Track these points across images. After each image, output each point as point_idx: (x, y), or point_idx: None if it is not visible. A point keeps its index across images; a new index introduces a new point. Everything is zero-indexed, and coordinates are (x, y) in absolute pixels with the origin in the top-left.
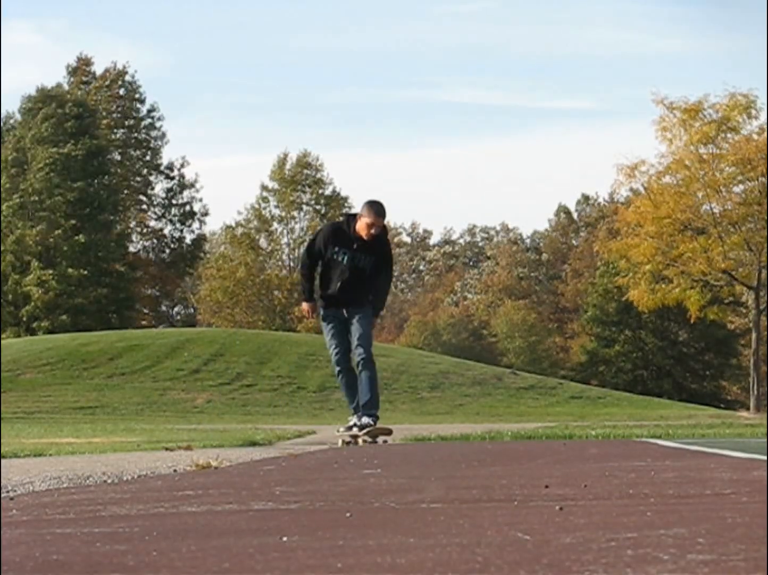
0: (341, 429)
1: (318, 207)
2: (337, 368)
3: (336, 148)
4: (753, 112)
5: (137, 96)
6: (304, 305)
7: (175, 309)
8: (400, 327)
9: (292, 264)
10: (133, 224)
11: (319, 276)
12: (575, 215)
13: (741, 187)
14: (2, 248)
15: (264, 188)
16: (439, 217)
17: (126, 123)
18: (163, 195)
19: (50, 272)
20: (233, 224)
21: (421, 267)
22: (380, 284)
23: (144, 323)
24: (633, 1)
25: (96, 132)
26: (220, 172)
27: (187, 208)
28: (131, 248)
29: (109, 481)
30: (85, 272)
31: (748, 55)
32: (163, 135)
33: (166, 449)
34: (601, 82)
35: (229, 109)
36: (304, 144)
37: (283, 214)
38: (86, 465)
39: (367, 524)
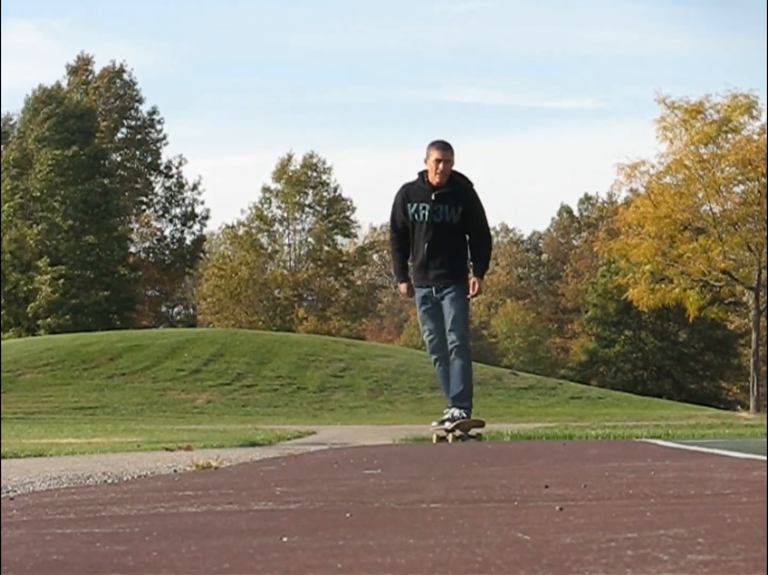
0: (435, 424)
1: (320, 209)
2: (433, 357)
3: (336, 148)
4: (754, 112)
5: (135, 94)
6: (401, 287)
7: (176, 309)
8: (400, 327)
9: (292, 264)
10: (134, 225)
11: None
12: (578, 215)
13: (741, 187)
14: (2, 248)
15: (266, 189)
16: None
17: (126, 123)
18: (163, 195)
19: (62, 268)
20: (234, 224)
21: None
22: (474, 239)
23: (144, 323)
24: (633, 1)
25: (97, 134)
26: (220, 172)
27: (189, 209)
28: (131, 249)
29: (110, 481)
30: (91, 275)
31: (749, 56)
32: (164, 137)
33: (167, 449)
34: (602, 82)
35: (229, 109)
36: (304, 144)
37: (285, 215)
38: (86, 466)
39: (367, 524)
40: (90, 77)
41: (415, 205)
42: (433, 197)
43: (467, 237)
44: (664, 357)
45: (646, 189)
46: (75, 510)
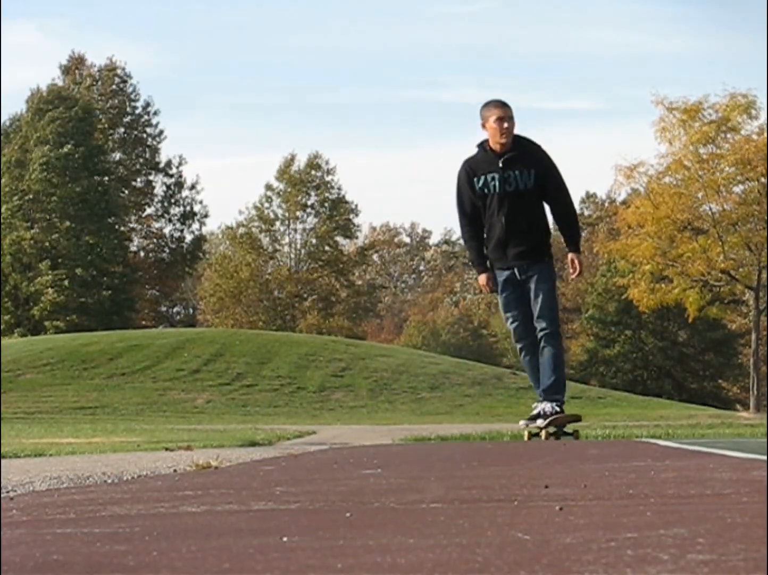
0: (523, 422)
1: (322, 210)
2: (519, 346)
3: (336, 148)
4: (753, 112)
5: (130, 91)
6: (481, 279)
7: (175, 309)
8: (400, 327)
9: (293, 264)
10: (133, 224)
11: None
12: (579, 212)
13: (741, 187)
14: (1, 248)
15: (269, 187)
16: (440, 217)
17: (123, 120)
18: (163, 194)
19: (63, 272)
20: (234, 225)
21: (421, 267)
22: (555, 206)
23: (144, 323)
24: (633, 1)
25: (96, 133)
26: (220, 172)
27: (188, 208)
28: (132, 248)
29: (110, 481)
30: (93, 273)
31: (748, 56)
32: (161, 132)
33: (167, 449)
34: (601, 83)
35: (230, 109)
36: (304, 144)
37: (287, 214)
38: (86, 465)
39: (367, 524)
40: (84, 75)
41: (482, 177)
42: (500, 164)
43: (546, 206)
44: (664, 357)
45: (646, 189)
46: (75, 510)
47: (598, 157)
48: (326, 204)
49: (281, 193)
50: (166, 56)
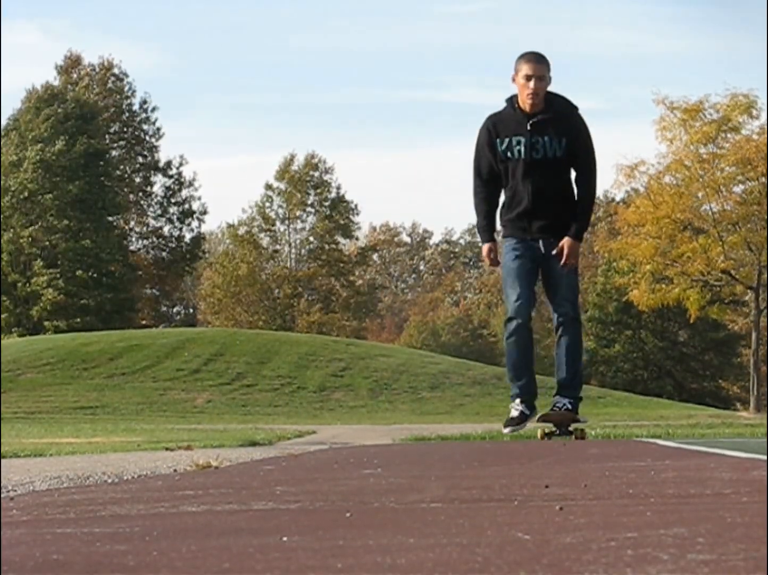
0: (536, 418)
1: (322, 210)
2: (512, 326)
3: (336, 148)
4: (753, 112)
5: (127, 89)
6: (484, 248)
7: (175, 309)
8: (400, 327)
9: (293, 264)
10: (132, 224)
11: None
12: None
13: (741, 187)
14: (1, 249)
15: (269, 187)
16: (440, 217)
17: (121, 118)
18: (162, 194)
19: (57, 271)
20: (235, 223)
21: (422, 267)
22: (577, 180)
23: (144, 323)
24: (633, 1)
25: (95, 132)
26: (220, 172)
27: (186, 206)
28: (131, 248)
29: (110, 481)
30: (93, 275)
31: (749, 55)
32: (159, 130)
33: (167, 449)
34: (601, 82)
35: (230, 109)
36: (304, 144)
37: (287, 214)
38: (86, 465)
39: (367, 524)
40: (81, 74)
41: (506, 140)
42: (528, 127)
43: (569, 170)
44: (664, 357)
45: (646, 189)
46: (75, 510)
47: (598, 157)
48: (325, 204)
49: (281, 193)
50: (167, 56)
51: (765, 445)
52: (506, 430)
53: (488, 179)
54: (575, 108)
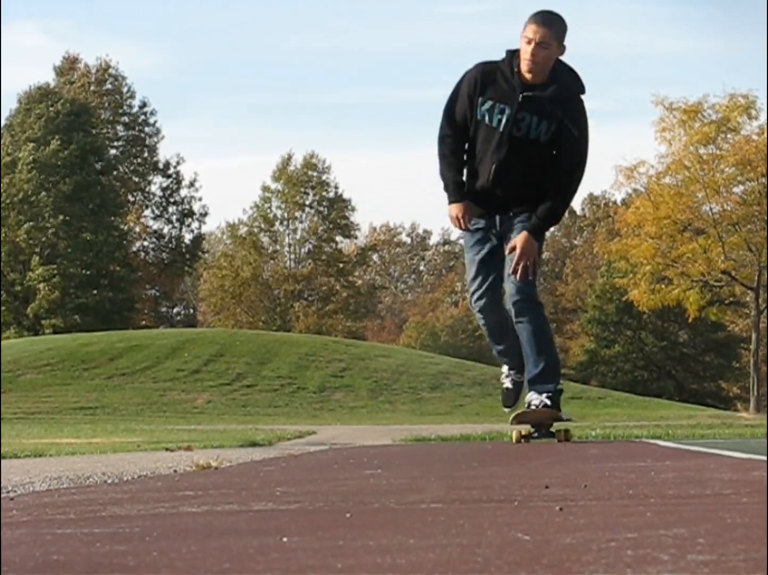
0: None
1: (321, 209)
2: (476, 307)
3: (336, 148)
4: (753, 112)
5: (125, 90)
6: (452, 210)
7: (175, 309)
8: (400, 328)
9: (293, 265)
10: (132, 224)
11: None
12: (581, 213)
13: (741, 187)
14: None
15: (266, 188)
16: (439, 217)
17: (120, 120)
18: (161, 194)
19: (53, 267)
20: (235, 223)
21: (422, 267)
22: (555, 174)
23: (144, 323)
24: (633, 1)
25: (91, 130)
26: (220, 172)
27: (186, 207)
28: (130, 248)
29: (110, 481)
30: (88, 272)
31: (749, 56)
32: (158, 131)
33: (167, 449)
34: (601, 83)
35: (230, 109)
36: (304, 144)
37: (286, 214)
38: (86, 466)
39: (367, 524)
40: (79, 75)
41: (489, 102)
42: (519, 99)
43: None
44: (665, 358)
45: (646, 190)
46: (75, 510)
47: (598, 157)
48: (324, 204)
49: (279, 194)
50: (167, 56)
51: (765, 446)
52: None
53: (463, 127)
54: (581, 91)
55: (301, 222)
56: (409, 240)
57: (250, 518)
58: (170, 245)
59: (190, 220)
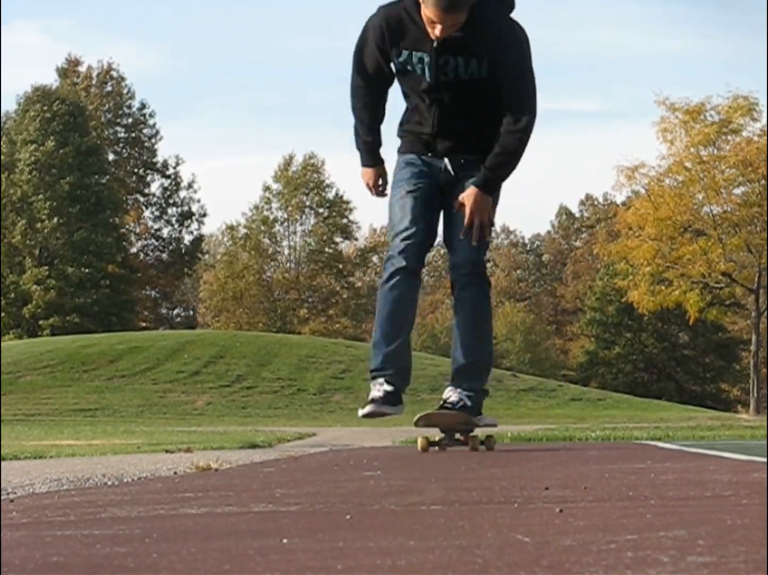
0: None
1: (321, 211)
2: (392, 269)
3: (336, 148)
4: (754, 114)
5: (126, 92)
6: (366, 174)
7: (176, 311)
8: None
9: (293, 266)
10: (131, 224)
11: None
12: (579, 214)
13: (741, 189)
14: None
15: (267, 188)
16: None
17: (118, 121)
18: (160, 195)
19: (45, 269)
20: (235, 224)
21: None
22: (506, 107)
23: (144, 325)
24: (634, 1)
25: (87, 130)
26: (220, 172)
27: (185, 208)
28: (130, 249)
29: (110, 483)
30: (86, 271)
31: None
32: (157, 132)
33: (167, 451)
34: (602, 83)
35: (230, 109)
36: (304, 144)
37: (286, 216)
38: (86, 467)
39: (367, 526)
40: (82, 77)
41: (405, 53)
42: (435, 44)
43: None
44: (665, 359)
45: (647, 191)
46: (75, 512)
47: (598, 158)
48: (325, 205)
49: (280, 195)
50: (167, 56)
51: (765, 447)
52: (364, 410)
53: (376, 77)
54: (508, 10)
55: (302, 224)
56: None
57: (250, 519)
58: (170, 247)
59: (189, 221)
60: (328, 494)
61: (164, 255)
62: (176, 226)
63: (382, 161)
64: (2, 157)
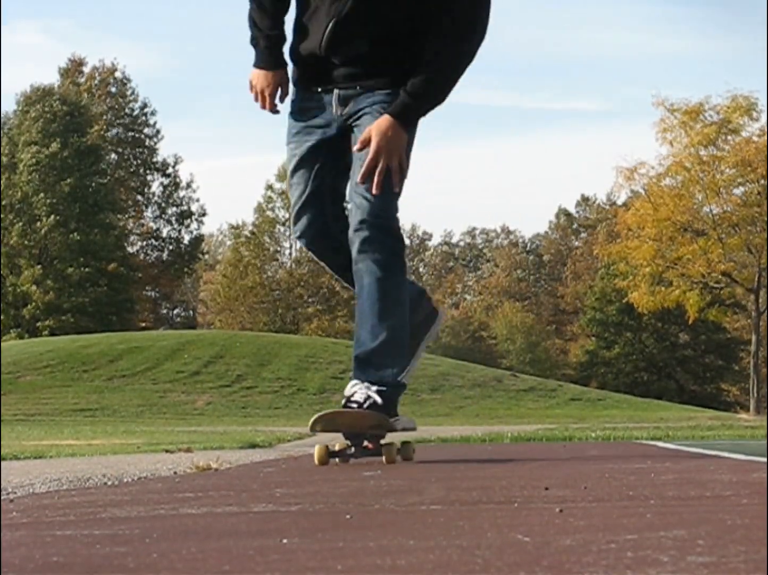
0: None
1: None
2: (299, 239)
3: None
4: (754, 114)
5: (128, 92)
6: (258, 78)
7: (176, 311)
8: None
9: (292, 266)
10: (131, 224)
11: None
12: (576, 215)
13: (741, 189)
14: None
15: (269, 187)
16: (439, 219)
17: (119, 122)
18: (160, 194)
19: (39, 268)
20: (238, 224)
21: (421, 269)
22: (441, 25)
23: (144, 325)
24: (634, 2)
25: (87, 130)
26: (220, 172)
27: (184, 207)
28: (129, 249)
29: (110, 483)
30: (87, 270)
31: (749, 56)
32: (158, 132)
33: (166, 451)
34: (602, 83)
35: (230, 109)
36: None
37: (287, 215)
38: (86, 467)
39: (367, 526)
40: (85, 78)
41: None
42: None
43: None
44: (665, 359)
45: (646, 191)
46: (75, 512)
47: (598, 158)
48: None
49: (283, 195)
50: (167, 56)
51: (765, 447)
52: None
53: None
54: None
55: None
56: (408, 242)
57: (250, 519)
58: (170, 246)
59: (188, 221)
60: (328, 494)
61: (164, 255)
62: (176, 225)
63: (284, 64)
64: (3, 158)
